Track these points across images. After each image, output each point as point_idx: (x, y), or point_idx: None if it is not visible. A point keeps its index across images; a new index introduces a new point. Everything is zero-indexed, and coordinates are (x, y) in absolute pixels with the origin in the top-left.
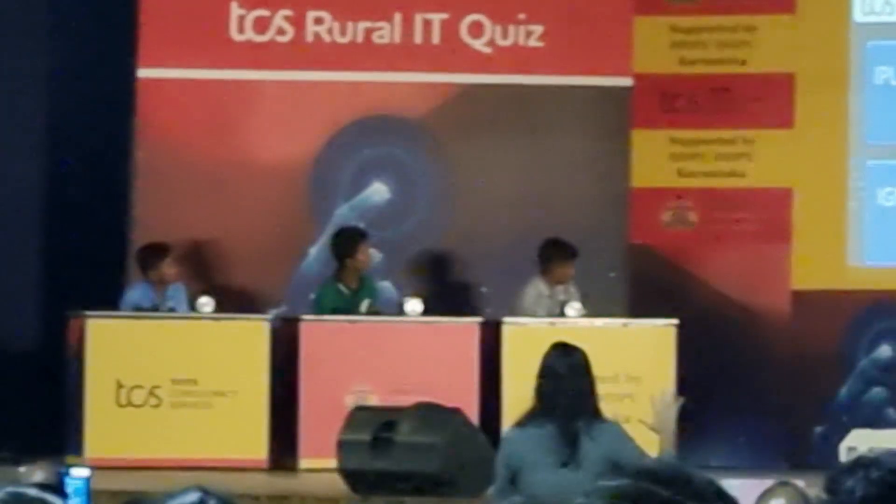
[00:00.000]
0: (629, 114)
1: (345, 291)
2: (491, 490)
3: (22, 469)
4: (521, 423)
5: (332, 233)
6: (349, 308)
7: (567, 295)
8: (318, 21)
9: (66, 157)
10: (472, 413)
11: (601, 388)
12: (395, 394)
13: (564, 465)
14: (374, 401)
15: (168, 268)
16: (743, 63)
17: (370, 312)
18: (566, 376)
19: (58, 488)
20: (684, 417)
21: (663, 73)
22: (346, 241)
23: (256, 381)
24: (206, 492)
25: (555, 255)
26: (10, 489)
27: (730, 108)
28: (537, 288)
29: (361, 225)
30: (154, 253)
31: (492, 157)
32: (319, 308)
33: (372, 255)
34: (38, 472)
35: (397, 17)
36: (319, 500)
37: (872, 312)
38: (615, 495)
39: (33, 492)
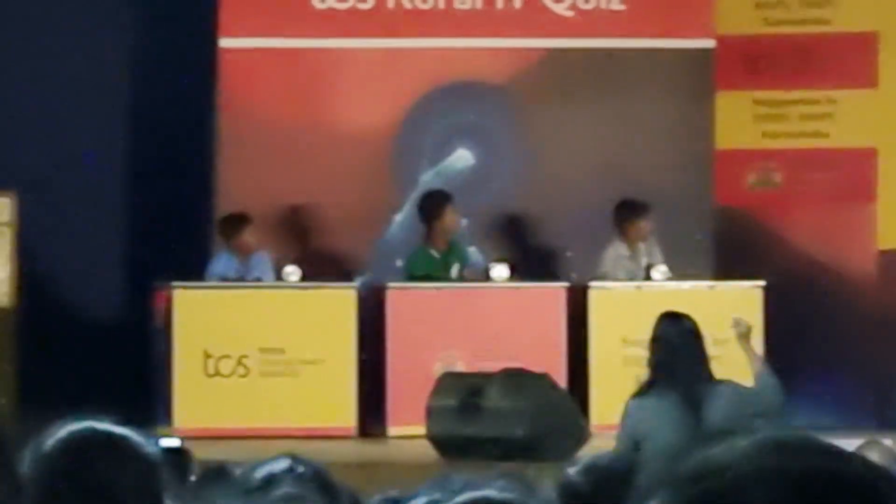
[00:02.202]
0: (712, 76)
1: (435, 255)
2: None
3: None
4: (642, 394)
5: (419, 197)
6: (440, 272)
7: (651, 257)
8: None
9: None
10: (560, 377)
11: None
12: (483, 360)
13: (693, 431)
14: (461, 367)
15: (249, 237)
16: (827, 22)
17: (460, 278)
18: (680, 345)
19: None
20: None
21: (746, 34)
22: (434, 204)
23: (344, 349)
24: (295, 459)
25: (626, 213)
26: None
27: (813, 68)
28: (616, 250)
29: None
30: (234, 222)
31: (575, 122)
32: (410, 273)
33: (459, 220)
34: None
35: None
36: (408, 466)
37: None
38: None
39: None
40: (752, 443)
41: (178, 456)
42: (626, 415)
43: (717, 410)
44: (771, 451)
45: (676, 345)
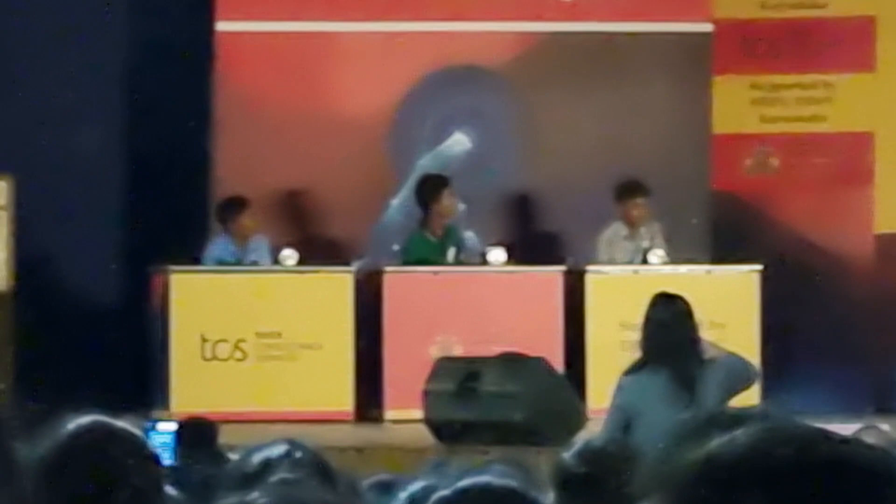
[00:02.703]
0: (710, 60)
1: (431, 240)
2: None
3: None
4: (634, 371)
5: (416, 181)
6: (436, 256)
7: (651, 241)
8: None
9: (86, 133)
10: (557, 362)
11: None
12: (480, 344)
13: (686, 408)
14: (458, 351)
15: (246, 221)
16: (824, 6)
17: (456, 262)
18: (673, 324)
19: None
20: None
21: (744, 18)
22: (430, 189)
23: (341, 333)
24: (293, 444)
25: (623, 193)
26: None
27: (811, 52)
28: (615, 230)
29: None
30: (232, 206)
31: (573, 106)
32: (407, 258)
33: (457, 204)
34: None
35: None
36: (405, 450)
37: None
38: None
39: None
40: (753, 435)
41: (203, 427)
42: (619, 390)
43: (708, 389)
44: (773, 443)
45: (669, 325)
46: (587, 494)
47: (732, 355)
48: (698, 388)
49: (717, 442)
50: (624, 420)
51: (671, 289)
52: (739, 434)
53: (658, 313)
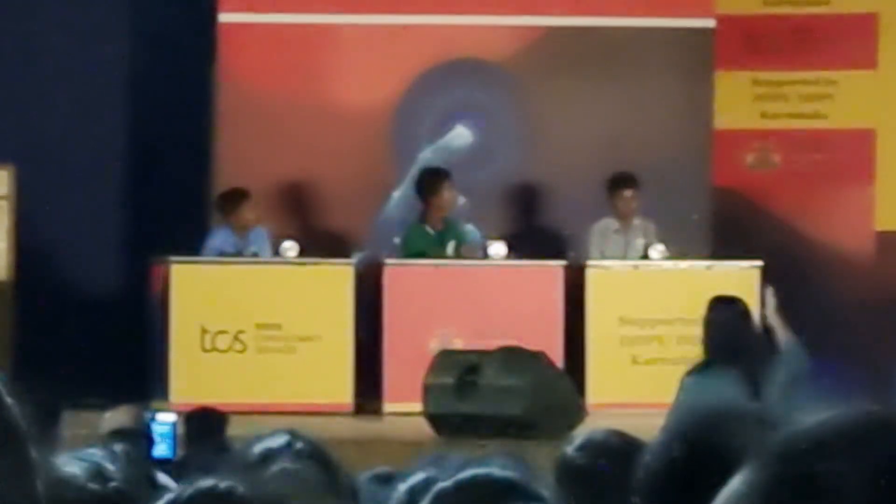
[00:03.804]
0: (712, 56)
1: (431, 233)
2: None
3: (107, 414)
4: (698, 372)
5: (416, 174)
6: (435, 249)
7: (646, 235)
8: None
9: (88, 124)
10: (556, 356)
11: (684, 331)
12: (479, 337)
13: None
14: (458, 344)
15: (248, 212)
16: (826, 3)
17: (456, 255)
18: (734, 326)
19: (142, 432)
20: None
21: (746, 14)
22: (430, 181)
23: (341, 326)
24: (294, 434)
25: (613, 185)
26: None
27: (813, 49)
28: (606, 224)
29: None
30: (233, 198)
31: (575, 101)
32: (406, 251)
33: (456, 197)
34: (119, 416)
35: None
36: (404, 443)
37: None
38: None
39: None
40: (844, 417)
41: (212, 417)
42: (683, 391)
43: (774, 387)
44: (865, 426)
45: (730, 327)
46: (590, 488)
47: (790, 346)
48: (762, 387)
49: (806, 421)
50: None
51: (674, 287)
52: (830, 414)
53: (719, 316)
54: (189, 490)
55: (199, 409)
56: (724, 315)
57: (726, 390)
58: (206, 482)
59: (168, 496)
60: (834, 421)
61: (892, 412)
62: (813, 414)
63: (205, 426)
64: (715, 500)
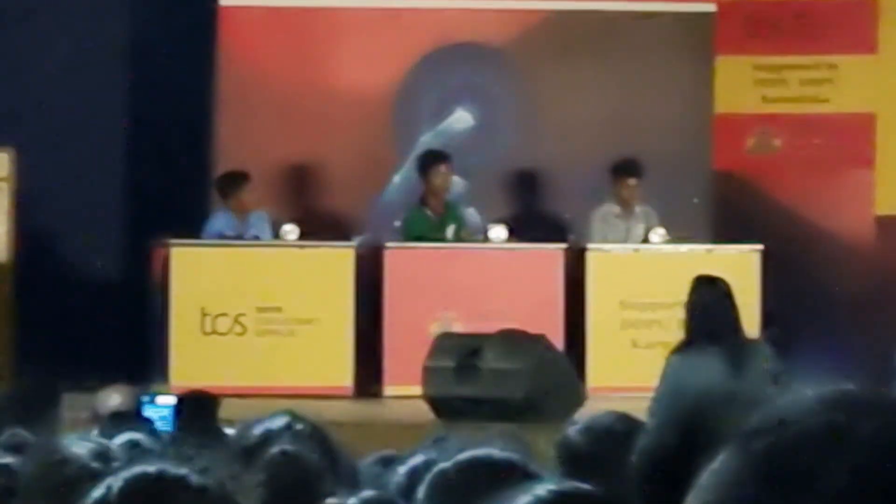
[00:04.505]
0: (713, 40)
1: (430, 216)
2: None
3: (99, 394)
4: (682, 351)
5: (416, 157)
6: (435, 233)
7: (648, 220)
8: None
9: (88, 107)
10: (557, 339)
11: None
12: (480, 321)
13: (736, 383)
14: (458, 327)
15: (247, 195)
16: None
17: (456, 238)
18: (717, 307)
19: (135, 413)
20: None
21: None
22: (424, 164)
23: (341, 309)
24: (294, 416)
25: (616, 172)
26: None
27: (813, 33)
28: (608, 209)
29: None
30: (233, 180)
31: (575, 84)
32: (406, 234)
33: (455, 182)
34: (114, 396)
35: None
36: (404, 426)
37: None
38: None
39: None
40: (819, 397)
41: (204, 400)
42: (669, 369)
43: (757, 369)
44: (840, 406)
45: (713, 307)
46: (591, 471)
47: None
48: (746, 366)
49: (781, 401)
50: (674, 398)
51: (675, 270)
52: (805, 393)
53: (701, 296)
54: (126, 475)
55: (190, 392)
56: (706, 295)
57: (708, 369)
58: (147, 468)
59: (107, 480)
60: (809, 403)
61: (871, 392)
62: (791, 395)
63: (197, 410)
64: (695, 485)
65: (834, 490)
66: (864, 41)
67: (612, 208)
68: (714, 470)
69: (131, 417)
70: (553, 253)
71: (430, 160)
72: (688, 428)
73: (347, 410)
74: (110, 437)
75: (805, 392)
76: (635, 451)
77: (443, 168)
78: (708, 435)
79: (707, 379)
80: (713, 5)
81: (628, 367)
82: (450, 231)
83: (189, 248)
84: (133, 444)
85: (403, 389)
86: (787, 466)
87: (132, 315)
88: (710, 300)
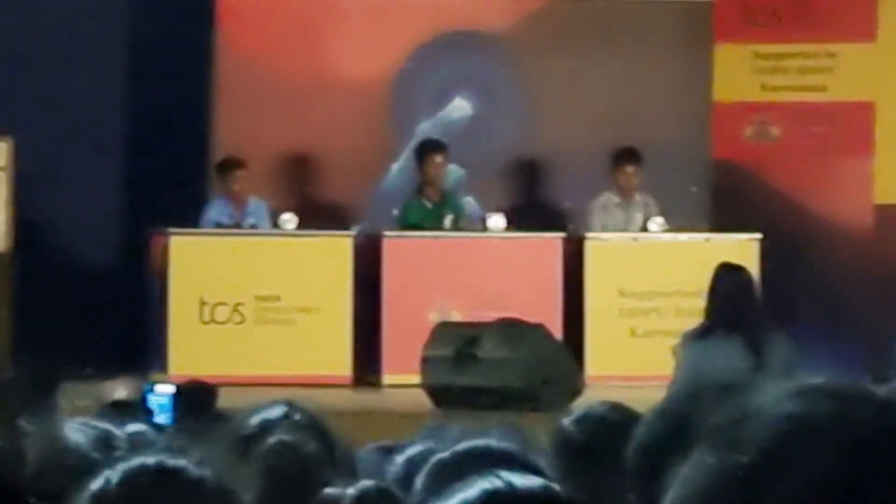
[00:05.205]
0: (712, 28)
1: (428, 206)
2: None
3: (106, 384)
4: (700, 336)
5: (414, 146)
6: (432, 222)
7: (647, 209)
8: None
9: (87, 98)
10: (555, 328)
11: (684, 303)
12: (478, 310)
13: (754, 374)
14: (457, 317)
15: (239, 181)
16: None
17: (454, 227)
18: (738, 295)
19: (140, 404)
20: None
21: None
22: (421, 152)
23: (340, 298)
24: (292, 406)
25: (616, 160)
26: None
27: (813, 21)
28: (607, 198)
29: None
30: (227, 166)
31: (573, 73)
32: (404, 223)
33: (453, 170)
34: (119, 388)
35: None
36: (403, 415)
37: None
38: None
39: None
40: (783, 388)
41: (202, 390)
42: (688, 354)
43: (776, 356)
44: (800, 396)
45: (735, 295)
46: (586, 461)
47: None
48: (766, 356)
49: (752, 395)
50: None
51: (674, 259)
52: (775, 386)
53: (724, 284)
54: (128, 466)
55: (188, 382)
56: (729, 283)
57: (729, 358)
58: (146, 459)
59: (106, 472)
60: (772, 395)
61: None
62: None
63: (195, 399)
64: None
65: (798, 482)
66: (863, 29)
67: (611, 197)
68: (688, 464)
69: (132, 407)
70: (551, 242)
71: (427, 149)
72: (681, 418)
73: (346, 399)
74: (111, 423)
75: (769, 385)
76: (633, 440)
77: (438, 157)
78: (697, 429)
79: (726, 367)
80: None
81: (627, 355)
82: (448, 220)
83: (188, 237)
84: (134, 434)
85: (402, 378)
86: (749, 460)
87: (131, 304)
88: (732, 288)
